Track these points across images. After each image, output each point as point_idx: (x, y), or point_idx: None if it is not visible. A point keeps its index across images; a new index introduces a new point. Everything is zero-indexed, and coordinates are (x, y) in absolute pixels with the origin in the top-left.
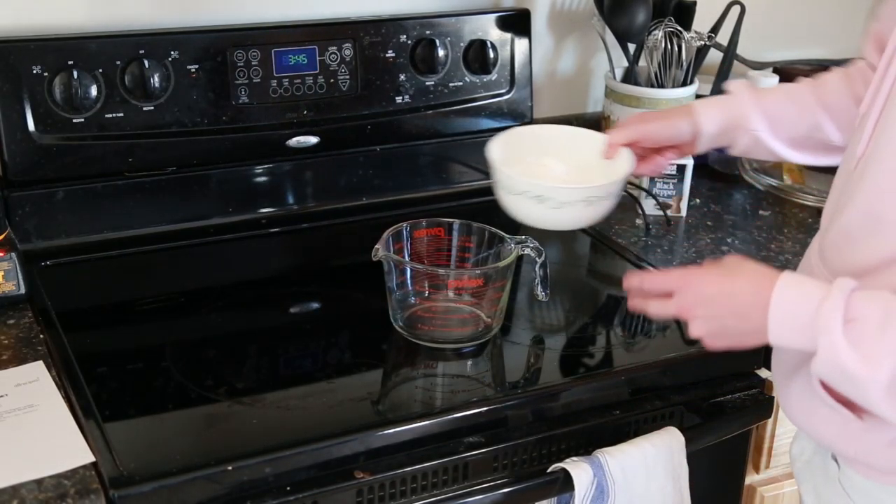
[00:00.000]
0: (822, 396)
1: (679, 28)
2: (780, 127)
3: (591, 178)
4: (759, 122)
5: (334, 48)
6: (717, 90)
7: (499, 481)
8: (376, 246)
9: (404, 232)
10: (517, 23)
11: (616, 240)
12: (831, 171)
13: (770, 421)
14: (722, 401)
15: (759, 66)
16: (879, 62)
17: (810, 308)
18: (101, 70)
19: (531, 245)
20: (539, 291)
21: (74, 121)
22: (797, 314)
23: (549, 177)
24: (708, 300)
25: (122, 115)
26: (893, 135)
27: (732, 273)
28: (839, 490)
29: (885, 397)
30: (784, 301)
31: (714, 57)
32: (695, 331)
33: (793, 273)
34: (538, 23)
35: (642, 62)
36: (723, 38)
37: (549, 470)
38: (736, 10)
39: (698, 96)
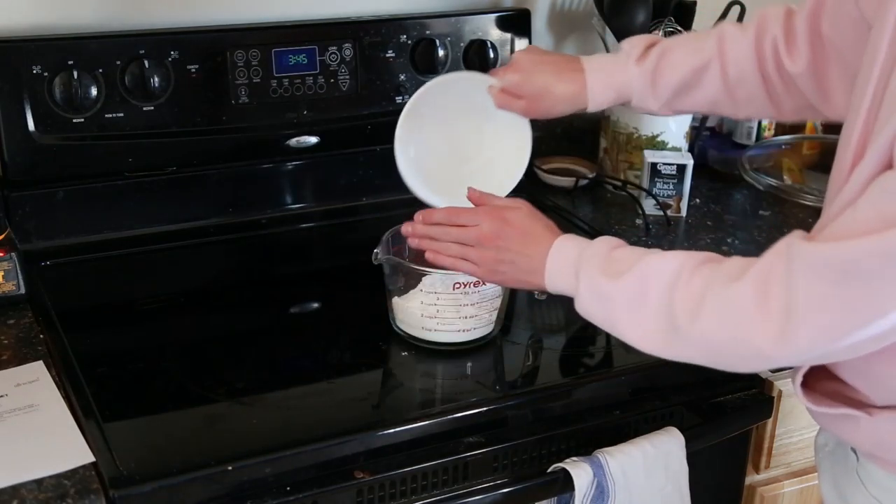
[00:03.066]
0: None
1: (679, 28)
2: (674, 104)
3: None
4: (654, 103)
5: (334, 48)
6: None
7: (499, 481)
8: (375, 250)
9: None
10: (517, 23)
11: None
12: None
13: (770, 421)
14: (722, 401)
15: None
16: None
17: (578, 251)
18: (101, 70)
19: None
20: (537, 291)
21: (74, 121)
22: (568, 256)
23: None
24: (506, 235)
25: (122, 115)
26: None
27: (531, 217)
28: (856, 481)
29: (627, 312)
30: (561, 247)
31: None
32: (476, 258)
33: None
34: (538, 23)
35: None
36: None
37: (549, 470)
38: (736, 10)
39: None
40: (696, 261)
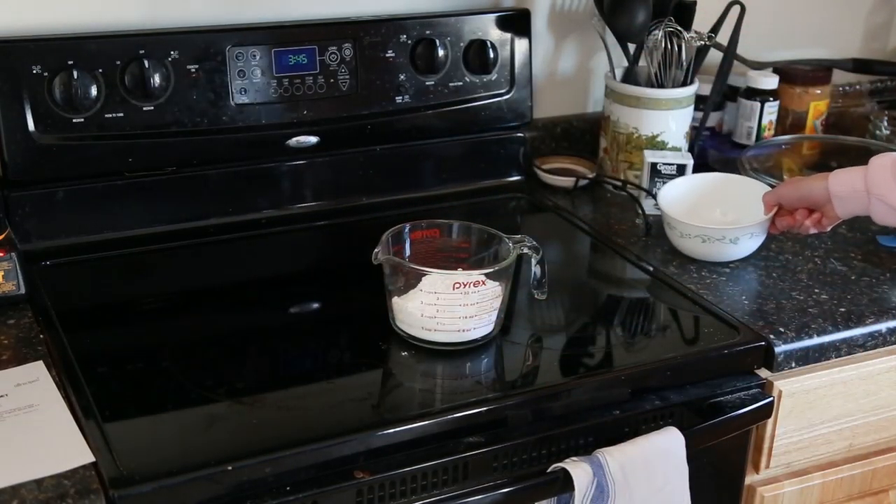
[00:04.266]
0: None
1: (679, 28)
2: None
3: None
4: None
5: (334, 48)
6: (717, 90)
7: (498, 481)
8: (376, 250)
9: (404, 233)
10: (517, 23)
11: (616, 240)
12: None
13: (770, 421)
14: (722, 401)
15: (759, 66)
16: None
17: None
18: (101, 70)
19: (529, 244)
20: (536, 290)
21: (74, 121)
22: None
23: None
24: None
25: (122, 115)
26: None
27: None
28: None
29: None
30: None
31: (714, 57)
32: None
33: None
34: (538, 23)
35: (642, 62)
36: (723, 38)
37: (548, 470)
38: (736, 10)
39: (698, 96)
40: None
